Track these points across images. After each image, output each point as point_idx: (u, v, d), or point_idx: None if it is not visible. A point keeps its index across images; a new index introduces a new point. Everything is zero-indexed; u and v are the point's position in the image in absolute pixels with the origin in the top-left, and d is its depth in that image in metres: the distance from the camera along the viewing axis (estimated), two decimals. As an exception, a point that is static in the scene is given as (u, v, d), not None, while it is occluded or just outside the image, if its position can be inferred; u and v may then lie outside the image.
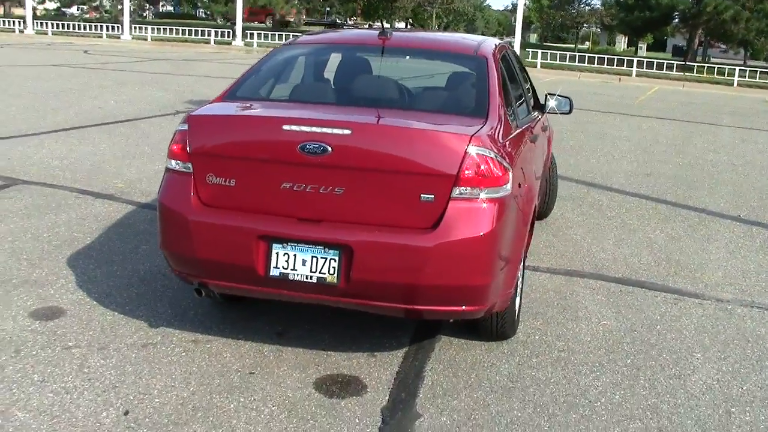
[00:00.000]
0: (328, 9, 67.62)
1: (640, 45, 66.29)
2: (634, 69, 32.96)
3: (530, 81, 6.64)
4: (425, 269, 3.77)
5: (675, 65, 34.17)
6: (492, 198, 3.88)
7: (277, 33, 41.81)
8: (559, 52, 35.15)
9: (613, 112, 18.50)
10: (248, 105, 4.55)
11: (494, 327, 4.49)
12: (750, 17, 42.20)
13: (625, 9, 47.96)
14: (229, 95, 4.66)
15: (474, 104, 4.52)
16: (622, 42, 75.80)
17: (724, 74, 33.15)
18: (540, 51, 33.97)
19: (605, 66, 33.99)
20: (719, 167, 11.41)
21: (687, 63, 37.24)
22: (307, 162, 3.85)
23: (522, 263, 4.51)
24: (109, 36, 42.17)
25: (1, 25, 45.53)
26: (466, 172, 3.81)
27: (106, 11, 53.75)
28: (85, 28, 44.36)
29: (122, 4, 43.65)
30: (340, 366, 4.24)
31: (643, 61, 34.64)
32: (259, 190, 4.01)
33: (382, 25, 56.96)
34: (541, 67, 33.11)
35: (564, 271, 6.08)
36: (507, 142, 4.26)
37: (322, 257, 3.85)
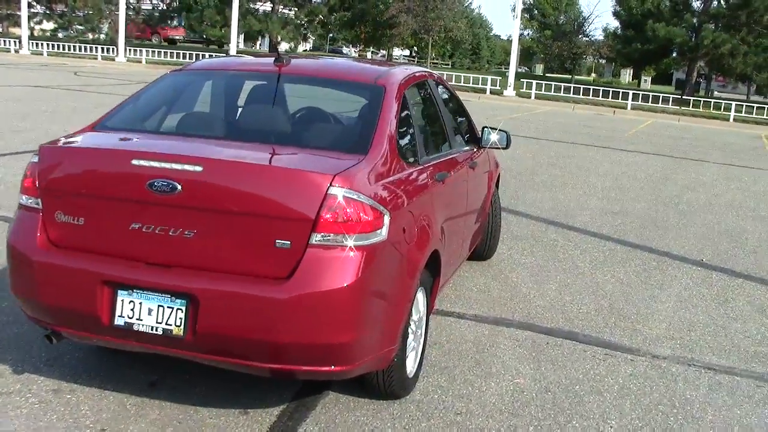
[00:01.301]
0: (332, 35, 67.78)
1: (644, 78, 66.08)
2: (630, 102, 32.62)
3: (466, 115, 6.23)
4: (278, 324, 3.39)
5: (671, 99, 33.80)
6: (361, 245, 3.48)
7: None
8: (553, 83, 34.80)
9: (598, 145, 18.08)
10: (110, 136, 4.13)
11: (381, 385, 4.05)
12: (748, 51, 41.72)
13: (623, 41, 47.69)
14: (99, 125, 4.27)
15: (357, 138, 4.11)
16: (627, 74, 75.70)
17: (720, 109, 32.77)
18: (534, 82, 33.61)
19: (601, 98, 33.65)
20: (694, 206, 10.96)
21: (684, 97, 36.88)
22: (156, 201, 3.49)
23: (409, 314, 4.04)
24: (104, 57, 42.11)
25: (-3, 45, 45.60)
26: (326, 216, 3.42)
27: (104, 34, 53.82)
28: (80, 49, 44.27)
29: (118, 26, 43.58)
30: (204, 424, 3.81)
31: (639, 94, 34.27)
32: (107, 231, 3.64)
33: (382, 52, 56.87)
34: (535, 98, 32.81)
35: (492, 319, 5.63)
36: (390, 182, 3.85)
37: (168, 307, 3.50)
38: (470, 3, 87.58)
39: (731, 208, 11.13)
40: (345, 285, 3.42)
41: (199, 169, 3.46)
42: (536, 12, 57.62)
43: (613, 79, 76.13)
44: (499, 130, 6.11)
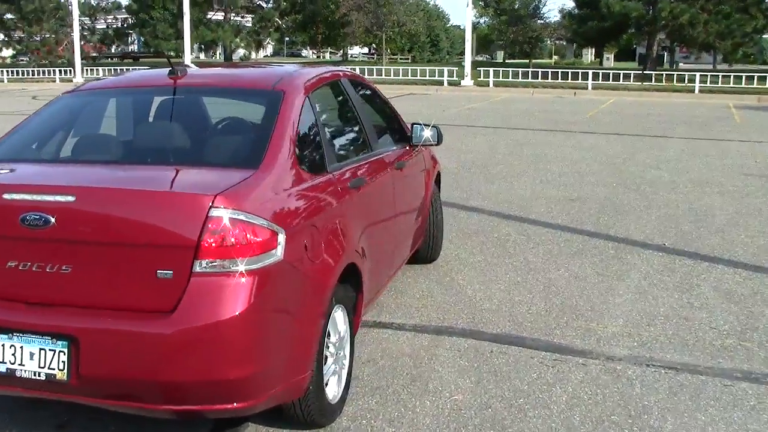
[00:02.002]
0: (288, 39, 67.09)
1: (606, 56, 65.80)
2: (590, 82, 32.28)
3: (392, 113, 5.77)
4: (164, 362, 3.04)
5: (632, 75, 33.47)
6: (252, 269, 3.09)
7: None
8: (511, 69, 34.46)
9: (557, 130, 17.68)
10: None
11: (300, 415, 3.64)
12: (709, 20, 41.29)
13: (578, 21, 47.31)
14: None
15: (248, 152, 3.70)
16: (589, 54, 75.53)
17: (684, 81, 32.43)
18: (492, 69, 33.21)
19: (560, 81, 33.29)
20: (657, 186, 10.54)
21: (646, 72, 36.54)
22: (30, 236, 3.20)
23: (323, 336, 3.60)
24: (62, 80, 41.55)
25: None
26: (210, 240, 3.05)
27: (59, 57, 53.02)
28: (40, 73, 43.84)
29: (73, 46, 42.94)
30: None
31: (599, 72, 33.96)
32: None
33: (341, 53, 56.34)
34: (494, 85, 32.43)
35: (433, 328, 5.16)
36: (287, 196, 3.46)
37: (50, 350, 3.18)
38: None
39: (697, 185, 10.70)
40: (235, 314, 3.06)
41: (71, 198, 3.19)
42: (492, -1, 57.30)
43: (575, 60, 75.93)
44: (430, 126, 5.68)
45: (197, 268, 3.06)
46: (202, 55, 68.39)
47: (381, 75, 36.50)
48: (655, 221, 8.37)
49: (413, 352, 4.76)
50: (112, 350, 3.09)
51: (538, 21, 54.03)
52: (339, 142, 4.62)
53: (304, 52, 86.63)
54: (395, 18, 48.47)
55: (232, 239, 3.07)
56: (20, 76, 43.58)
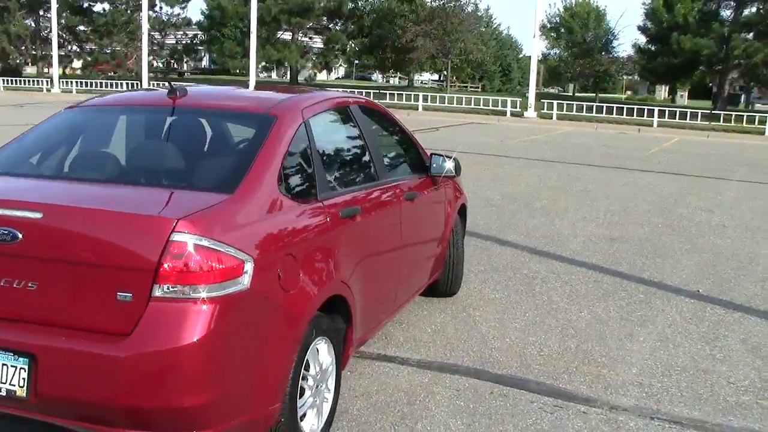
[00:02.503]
0: (356, 62, 67.55)
1: (680, 93, 64.47)
2: (656, 119, 31.64)
3: (410, 142, 5.70)
4: (119, 386, 3.00)
5: (699, 114, 32.69)
6: (214, 297, 3.04)
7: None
8: (575, 103, 33.98)
9: (613, 166, 17.33)
10: None
11: None
12: (785, 60, 40.04)
13: (648, 56, 46.48)
14: None
15: (227, 176, 3.63)
16: (663, 90, 74.23)
17: (754, 122, 31.48)
18: (555, 102, 32.85)
19: (626, 116, 32.70)
20: (704, 230, 10.20)
21: (714, 111, 35.64)
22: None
23: (297, 368, 3.52)
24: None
25: (31, 85, 46.33)
26: (170, 265, 3.01)
27: (129, 70, 54.45)
28: (108, 85, 44.92)
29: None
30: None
31: (666, 110, 33.26)
32: None
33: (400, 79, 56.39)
34: (557, 118, 32.06)
35: (437, 365, 5.04)
36: (262, 224, 3.41)
37: (12, 366, 3.17)
38: (498, 24, 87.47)
39: (747, 231, 10.31)
40: (192, 341, 3.00)
41: (38, 215, 3.19)
42: (563, 30, 56.67)
43: (648, 96, 74.73)
44: (451, 157, 5.60)
45: (156, 293, 3.02)
46: (273, 75, 69.49)
47: (444, 102, 36.47)
48: (694, 266, 8.08)
49: (410, 388, 4.64)
50: (68, 370, 3.06)
51: (607, 55, 53.28)
52: (337, 170, 4.56)
53: (374, 77, 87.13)
54: (462, 46, 48.35)
55: (194, 265, 3.02)
56: (89, 87, 44.65)
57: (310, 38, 56.48)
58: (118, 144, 4.25)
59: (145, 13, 41.35)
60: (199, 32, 61.26)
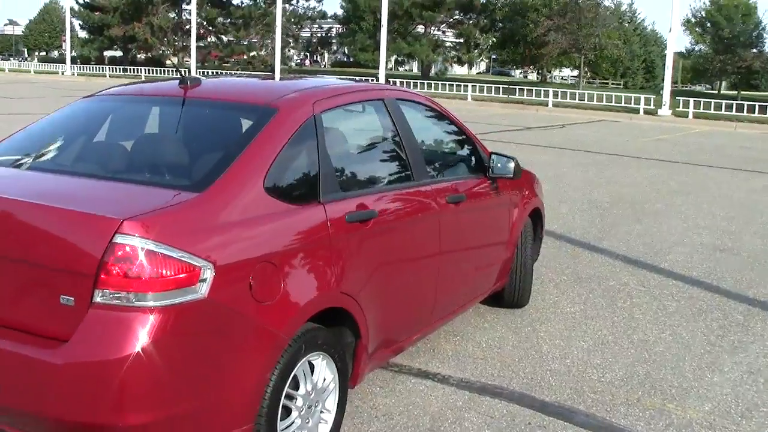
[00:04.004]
0: (495, 57, 66.61)
1: None
2: (808, 118, 29.25)
3: (465, 141, 5.25)
4: (51, 395, 2.74)
5: None
6: (163, 306, 2.73)
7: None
8: (714, 101, 31.92)
9: (745, 169, 16.03)
10: None
11: None
12: None
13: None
14: None
15: (202, 173, 3.29)
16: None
17: None
18: (692, 99, 30.93)
19: (771, 116, 30.39)
20: (834, 243, 9.13)
21: None
22: None
23: (275, 386, 3.16)
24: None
25: (172, 74, 48.09)
26: (111, 269, 2.72)
27: (263, 62, 55.79)
28: (230, 74, 46.35)
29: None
30: None
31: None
32: None
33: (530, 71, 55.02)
34: (693, 116, 30.24)
35: (479, 385, 4.56)
36: (232, 227, 3.06)
37: None
38: (642, 20, 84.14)
39: None
40: (131, 353, 2.69)
41: None
42: (709, 25, 53.72)
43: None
44: (507, 156, 5.08)
45: (97, 299, 2.75)
46: (413, 68, 69.54)
47: (575, 99, 35.25)
48: (813, 286, 7.18)
49: (439, 411, 4.19)
50: (9, 373, 2.86)
51: (755, 50, 50.07)
52: (353, 169, 4.13)
53: (513, 72, 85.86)
54: (596, 41, 46.54)
55: (138, 270, 2.73)
56: (225, 76, 46.15)
57: (443, 32, 56.06)
58: (113, 136, 4.02)
59: (279, 7, 42.01)
60: (337, 25, 62.11)
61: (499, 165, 5.08)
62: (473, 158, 5.15)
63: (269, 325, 3.08)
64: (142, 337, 2.69)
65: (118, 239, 2.73)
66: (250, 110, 3.69)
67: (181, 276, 2.77)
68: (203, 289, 2.83)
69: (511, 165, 5.05)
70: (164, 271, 2.74)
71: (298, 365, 3.27)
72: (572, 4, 46.72)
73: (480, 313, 5.84)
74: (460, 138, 5.19)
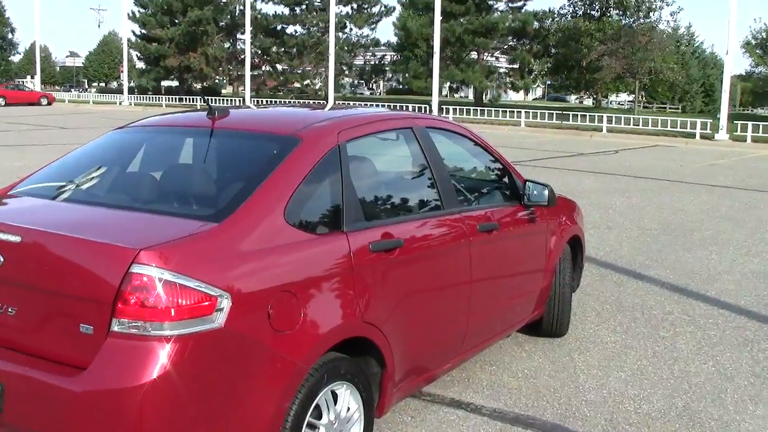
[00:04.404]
0: (549, 83, 66.20)
1: None
2: None
3: (500, 169, 5.24)
4: (70, 422, 2.83)
5: None
6: (179, 335, 2.78)
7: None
8: (773, 124, 31.24)
9: (803, 194, 15.63)
10: None
11: None
12: None
13: None
14: (14, 188, 3.97)
15: (223, 203, 3.35)
16: None
17: None
18: (750, 123, 30.27)
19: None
20: None
21: None
22: None
23: (296, 416, 3.18)
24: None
25: (227, 104, 48.99)
26: (129, 299, 2.78)
27: (315, 89, 56.48)
28: (282, 104, 46.87)
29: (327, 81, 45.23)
30: None
31: None
32: None
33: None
34: (751, 140, 29.64)
35: (512, 416, 4.51)
36: (251, 256, 3.10)
37: None
38: (701, 43, 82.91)
39: None
40: (147, 382, 2.75)
41: (17, 239, 3.09)
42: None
43: None
44: (542, 184, 5.07)
45: (115, 327, 2.82)
46: (470, 95, 69.65)
47: (629, 124, 34.85)
48: None
49: (470, 442, 4.16)
50: (30, 400, 2.95)
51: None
52: (378, 198, 4.16)
53: (569, 98, 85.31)
54: (651, 65, 45.89)
55: (155, 300, 2.78)
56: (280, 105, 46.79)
57: (496, 58, 56.00)
58: (141, 167, 4.10)
59: (332, 36, 42.48)
60: (391, 53, 62.52)
61: (535, 192, 5.06)
62: (507, 186, 5.14)
63: (288, 354, 3.10)
64: (158, 366, 2.74)
65: (135, 269, 2.79)
66: (275, 140, 3.74)
67: (197, 306, 2.82)
68: (220, 319, 2.87)
69: (546, 192, 5.03)
70: (180, 301, 2.79)
71: (320, 395, 3.29)
72: (626, 28, 46.25)
73: (518, 343, 5.80)
74: (494, 166, 5.18)
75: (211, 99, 42.24)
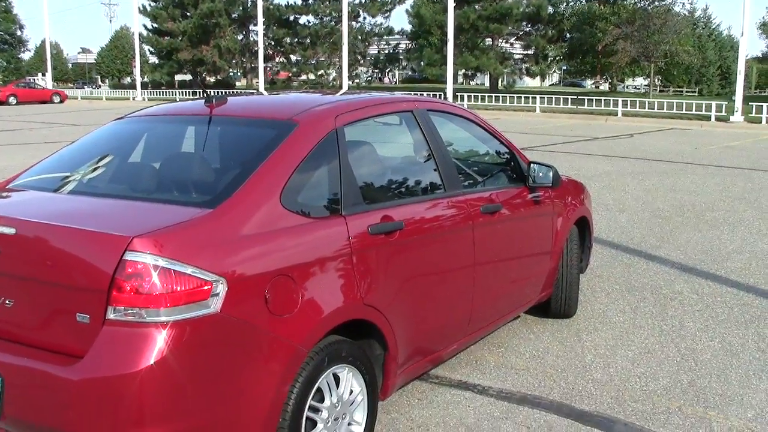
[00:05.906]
0: (565, 68, 65.84)
1: None
2: None
3: (503, 151, 5.28)
4: (68, 411, 2.86)
5: None
6: (175, 321, 2.83)
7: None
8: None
9: (818, 174, 15.55)
10: None
11: None
12: None
13: None
14: (12, 182, 4.00)
15: (218, 189, 3.38)
16: None
17: None
18: (765, 105, 30.06)
19: None
20: None
21: None
22: None
23: (297, 399, 3.23)
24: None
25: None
26: (123, 286, 2.83)
27: (329, 79, 56.40)
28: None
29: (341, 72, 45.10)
30: None
31: None
32: None
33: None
34: (766, 122, 29.44)
35: (519, 396, 4.58)
36: (247, 241, 3.13)
37: None
38: (717, 25, 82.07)
39: None
40: (144, 368, 2.79)
41: (12, 231, 3.13)
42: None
43: None
44: (546, 165, 5.11)
45: (110, 315, 2.84)
46: (486, 82, 69.46)
47: (644, 107, 34.68)
48: None
49: (476, 422, 4.24)
50: (29, 390, 2.96)
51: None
52: (378, 182, 4.20)
53: (585, 83, 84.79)
54: (666, 48, 45.51)
55: (149, 287, 2.81)
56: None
57: (511, 44, 55.76)
58: (137, 156, 4.15)
59: (345, 25, 42.44)
60: (405, 41, 62.33)
61: (540, 174, 5.10)
62: (512, 168, 5.17)
63: (287, 337, 3.14)
64: (154, 352, 2.78)
65: (129, 256, 2.82)
66: (271, 126, 3.76)
67: (192, 291, 2.85)
68: (216, 304, 2.91)
69: (551, 174, 5.07)
70: (175, 287, 2.83)
71: (322, 377, 3.32)
72: (641, 11, 45.92)
73: (526, 324, 5.87)
74: (498, 148, 5.22)
75: (226, 92, 42.40)
